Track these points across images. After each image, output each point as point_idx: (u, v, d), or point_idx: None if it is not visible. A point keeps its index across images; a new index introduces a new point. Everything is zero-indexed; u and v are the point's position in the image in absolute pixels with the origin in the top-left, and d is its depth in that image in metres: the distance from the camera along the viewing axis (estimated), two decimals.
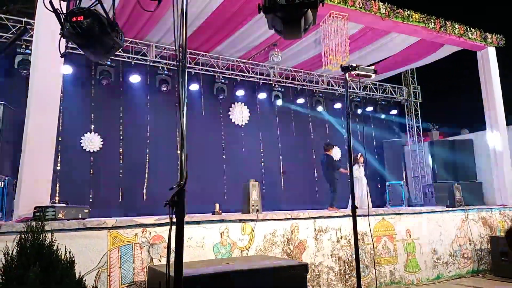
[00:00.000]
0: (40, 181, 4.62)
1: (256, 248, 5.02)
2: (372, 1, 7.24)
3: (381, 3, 7.32)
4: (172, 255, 1.92)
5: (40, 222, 2.88)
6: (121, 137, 8.45)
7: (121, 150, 8.40)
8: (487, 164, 9.40)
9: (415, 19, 7.72)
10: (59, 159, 7.49)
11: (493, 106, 8.80)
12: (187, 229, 4.45)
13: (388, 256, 6.15)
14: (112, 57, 7.25)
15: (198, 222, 4.68)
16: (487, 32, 8.75)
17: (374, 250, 5.94)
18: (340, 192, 8.47)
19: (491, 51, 8.94)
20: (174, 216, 1.90)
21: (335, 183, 8.56)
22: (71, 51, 6.04)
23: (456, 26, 8.28)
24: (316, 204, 9.03)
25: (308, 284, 4.19)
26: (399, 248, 6.29)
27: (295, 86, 10.66)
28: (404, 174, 11.78)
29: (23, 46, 7.10)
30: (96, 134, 8.14)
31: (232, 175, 9.28)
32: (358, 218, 3.83)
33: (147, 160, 8.60)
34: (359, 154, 9.33)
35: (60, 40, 2.36)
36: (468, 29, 8.47)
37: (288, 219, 5.37)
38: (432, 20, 7.92)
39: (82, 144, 8.00)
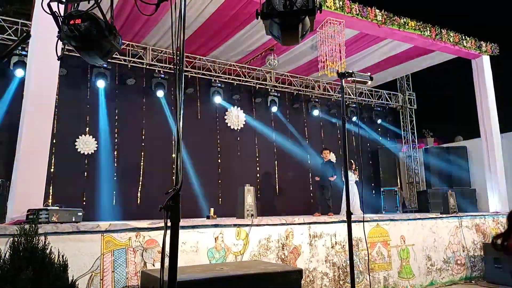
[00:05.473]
0: (34, 183, 4.59)
1: (251, 253, 5.00)
2: (369, 8, 7.30)
3: (377, 10, 7.38)
4: (166, 260, 1.92)
5: (33, 225, 2.86)
6: (116, 140, 8.41)
7: (116, 153, 8.35)
8: (481, 171, 9.47)
9: (411, 26, 7.79)
10: (53, 161, 7.44)
11: (487, 114, 8.88)
12: (182, 234, 4.43)
13: (382, 262, 6.16)
14: (108, 60, 7.23)
15: (192, 227, 4.66)
16: (481, 41, 8.85)
17: (368, 256, 5.95)
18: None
19: (486, 59, 9.05)
20: (168, 220, 1.89)
21: (328, 189, 8.44)
22: (67, 53, 6.04)
23: (451, 34, 8.36)
24: (311, 210, 9.02)
25: None
26: (393, 254, 6.30)
27: (291, 91, 10.70)
28: (398, 180, 11.82)
29: (19, 48, 7.06)
30: (91, 136, 8.10)
31: (227, 179, 9.26)
32: (352, 224, 3.84)
33: (142, 164, 8.56)
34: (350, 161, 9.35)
35: (57, 42, 2.36)
36: (463, 37, 8.56)
37: (283, 224, 5.36)
38: (427, 28, 8.00)
39: (76, 147, 7.95)
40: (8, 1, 7.81)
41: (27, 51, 6.10)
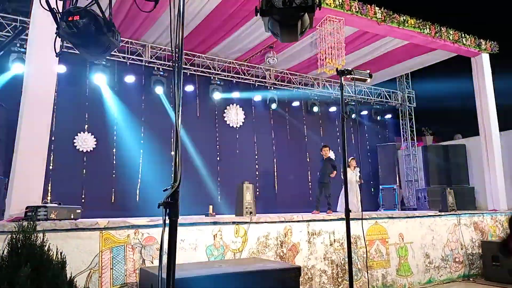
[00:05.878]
0: (33, 180, 4.58)
1: (249, 251, 5.01)
2: (368, 6, 7.29)
3: (377, 8, 7.37)
4: (165, 257, 1.91)
5: (31, 222, 2.86)
6: (115, 137, 8.41)
7: (114, 150, 8.35)
8: (480, 169, 9.49)
9: (411, 24, 7.78)
10: (52, 158, 7.43)
11: (486, 112, 8.88)
12: (180, 231, 4.41)
13: (380, 259, 6.17)
14: (107, 57, 7.23)
15: (191, 224, 4.66)
16: (481, 39, 8.83)
17: (366, 254, 5.96)
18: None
19: (485, 57, 9.03)
20: (167, 217, 1.89)
21: (328, 186, 8.45)
22: (65, 50, 6.03)
23: (451, 32, 8.35)
24: (310, 207, 9.03)
25: (300, 287, 4.19)
26: (391, 252, 6.31)
27: (291, 88, 10.69)
28: (397, 178, 11.84)
29: (18, 45, 7.06)
30: (90, 134, 8.10)
31: (226, 177, 9.26)
32: (351, 222, 3.84)
33: (141, 161, 8.56)
34: (350, 158, 9.35)
35: (55, 39, 2.35)
36: (463, 35, 8.55)
37: (282, 222, 5.36)
38: (427, 26, 7.99)
39: (75, 144, 7.95)
40: None
41: (25, 48, 6.08)
